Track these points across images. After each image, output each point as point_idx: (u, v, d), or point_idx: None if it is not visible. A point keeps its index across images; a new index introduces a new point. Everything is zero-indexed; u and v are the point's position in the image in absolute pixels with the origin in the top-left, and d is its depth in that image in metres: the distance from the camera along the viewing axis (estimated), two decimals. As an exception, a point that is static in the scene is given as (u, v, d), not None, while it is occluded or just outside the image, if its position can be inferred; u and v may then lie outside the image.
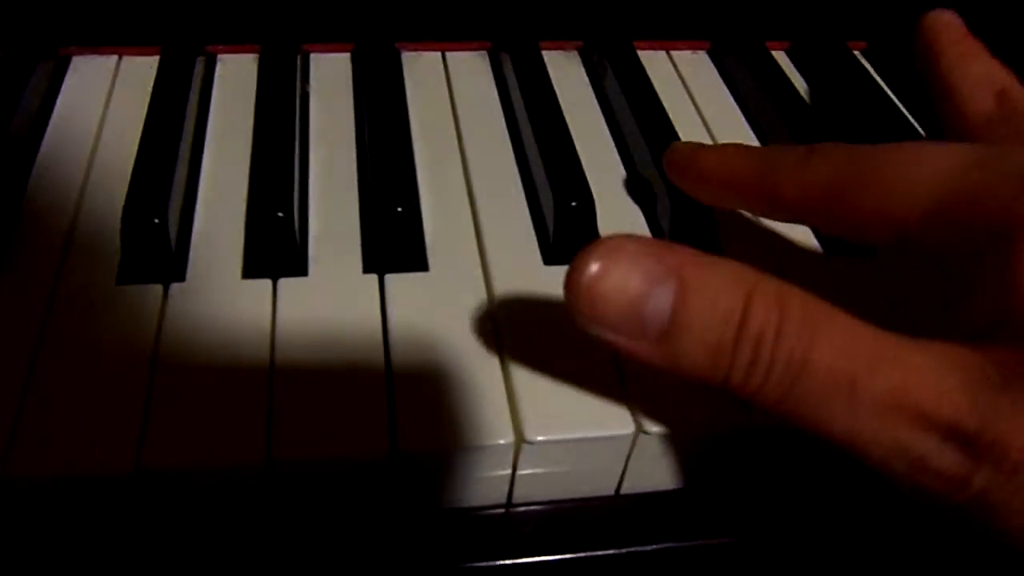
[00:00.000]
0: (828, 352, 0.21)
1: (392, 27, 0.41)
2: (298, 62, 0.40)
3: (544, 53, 0.41)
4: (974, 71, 0.32)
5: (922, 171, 0.24)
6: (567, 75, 0.41)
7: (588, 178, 0.34)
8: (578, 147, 0.36)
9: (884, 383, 0.20)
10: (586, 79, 0.41)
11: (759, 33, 0.43)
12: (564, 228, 0.32)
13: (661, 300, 0.22)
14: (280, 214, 0.31)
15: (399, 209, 0.31)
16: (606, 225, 0.33)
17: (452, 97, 0.39)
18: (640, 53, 0.42)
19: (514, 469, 0.27)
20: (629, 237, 0.23)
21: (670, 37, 0.43)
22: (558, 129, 0.36)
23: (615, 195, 0.35)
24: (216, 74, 0.40)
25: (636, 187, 0.35)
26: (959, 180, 0.23)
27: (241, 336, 0.28)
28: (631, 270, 0.22)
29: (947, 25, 0.35)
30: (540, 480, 0.27)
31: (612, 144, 0.38)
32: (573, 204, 0.32)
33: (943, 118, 0.32)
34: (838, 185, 0.26)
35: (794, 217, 0.29)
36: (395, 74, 0.39)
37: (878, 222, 0.25)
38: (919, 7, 0.36)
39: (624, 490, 0.29)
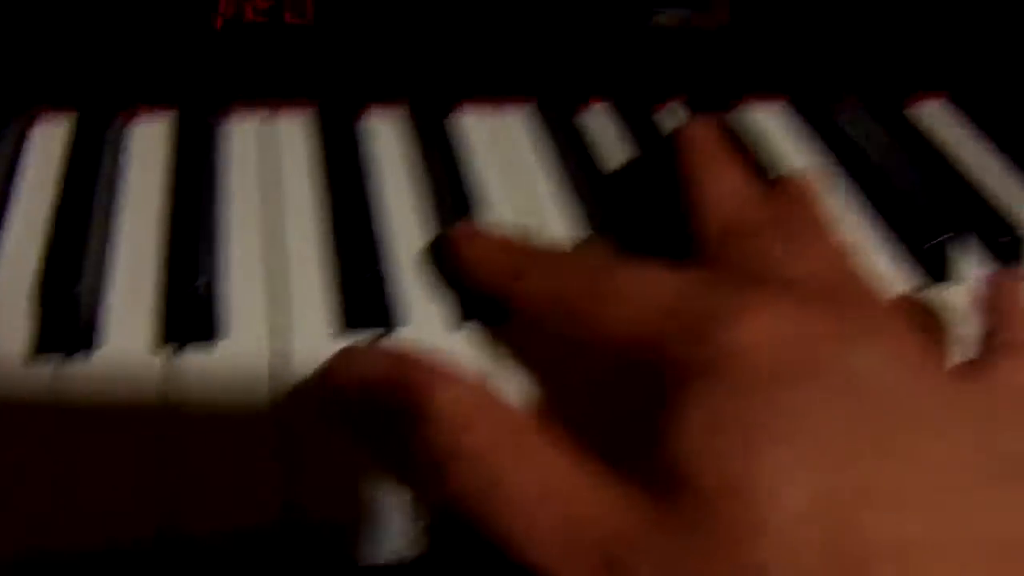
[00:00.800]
0: (516, 479, 0.23)
1: (219, 93, 0.42)
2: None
3: (369, 116, 0.43)
4: (719, 183, 0.33)
5: (633, 296, 0.26)
6: (389, 138, 0.42)
7: (396, 246, 0.35)
8: (391, 213, 0.37)
9: (551, 516, 0.22)
10: (406, 142, 0.42)
11: (577, 93, 0.45)
12: (356, 298, 0.33)
13: (395, 401, 0.25)
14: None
15: (196, 284, 0.32)
16: (406, 290, 0.34)
17: (274, 163, 0.40)
18: (463, 112, 0.43)
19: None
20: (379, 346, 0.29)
21: (495, 95, 0.44)
22: (360, 198, 0.37)
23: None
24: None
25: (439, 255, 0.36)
26: (657, 314, 0.25)
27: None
28: (370, 368, 0.26)
29: (699, 137, 0.36)
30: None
31: (421, 209, 0.38)
32: (367, 276, 0.33)
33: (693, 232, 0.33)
34: (561, 298, 0.28)
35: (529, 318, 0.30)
36: (206, 142, 0.40)
37: (585, 343, 0.27)
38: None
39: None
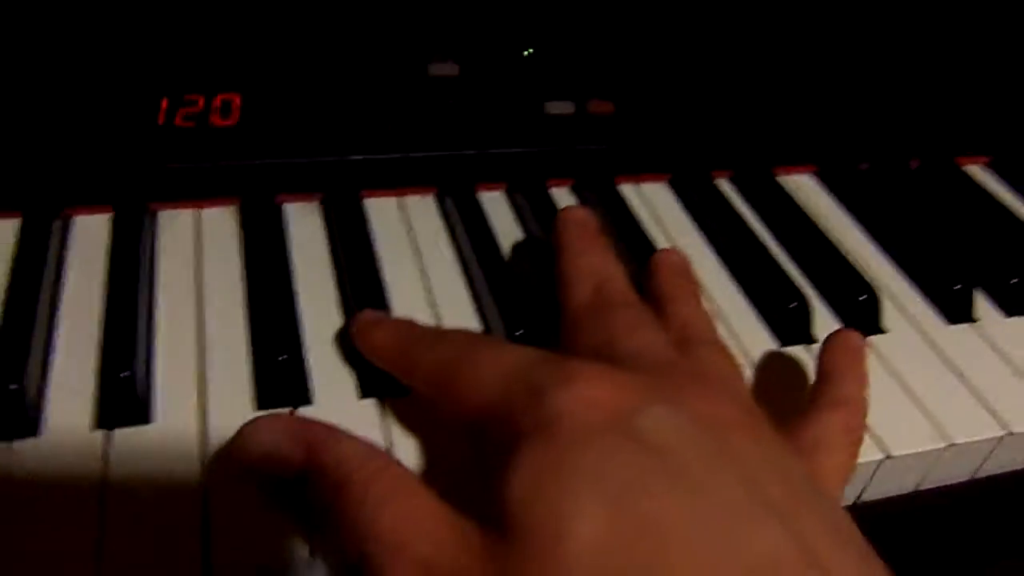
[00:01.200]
0: (387, 522, 0.27)
1: (152, 189, 0.46)
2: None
3: (288, 206, 0.47)
4: (583, 262, 0.38)
5: (486, 371, 0.31)
6: (306, 226, 0.47)
7: (310, 329, 0.40)
8: (305, 298, 0.42)
9: (414, 556, 0.26)
10: (321, 229, 0.47)
11: (472, 176, 0.50)
12: (271, 380, 0.37)
13: (294, 460, 0.30)
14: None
15: (123, 374, 0.36)
16: (318, 369, 0.39)
17: (200, 252, 0.44)
18: (371, 200, 0.48)
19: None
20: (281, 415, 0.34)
21: (402, 185, 0.49)
22: (276, 285, 0.41)
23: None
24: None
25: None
26: (505, 382, 0.30)
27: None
28: (271, 433, 0.31)
29: (575, 221, 0.41)
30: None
31: (335, 294, 0.43)
32: (280, 359, 0.38)
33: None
34: (434, 375, 0.33)
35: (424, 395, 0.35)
36: (139, 234, 0.44)
37: (455, 412, 0.32)
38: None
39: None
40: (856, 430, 0.34)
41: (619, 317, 0.35)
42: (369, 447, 0.30)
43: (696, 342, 0.36)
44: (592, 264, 0.38)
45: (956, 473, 0.41)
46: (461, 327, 0.41)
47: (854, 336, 0.38)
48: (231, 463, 0.32)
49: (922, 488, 0.41)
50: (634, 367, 0.32)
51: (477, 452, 0.31)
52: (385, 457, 0.30)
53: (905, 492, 0.41)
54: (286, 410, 0.37)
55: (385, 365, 0.36)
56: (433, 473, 0.35)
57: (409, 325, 0.37)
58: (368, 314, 0.38)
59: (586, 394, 0.28)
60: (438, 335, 0.36)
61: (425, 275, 0.45)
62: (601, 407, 0.28)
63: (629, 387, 0.29)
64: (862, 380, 0.36)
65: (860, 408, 0.35)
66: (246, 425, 0.32)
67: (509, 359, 0.31)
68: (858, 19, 0.54)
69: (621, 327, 0.35)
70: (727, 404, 0.30)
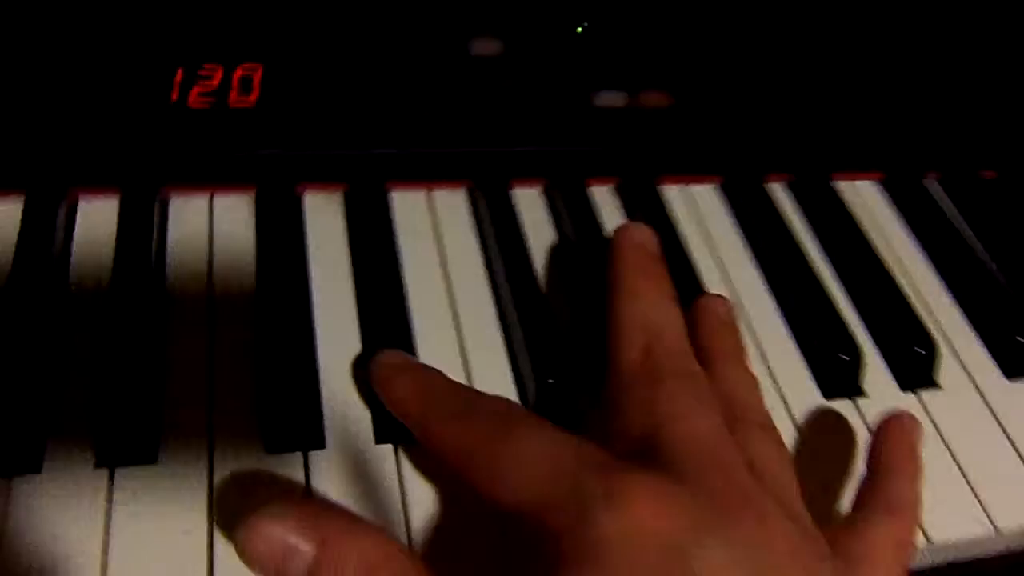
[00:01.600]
0: None
1: (164, 174, 0.43)
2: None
3: (307, 196, 0.44)
4: (634, 311, 0.35)
5: (526, 466, 0.28)
6: (326, 220, 0.43)
7: (321, 358, 0.38)
8: (321, 311, 0.39)
9: None
10: (343, 224, 0.43)
11: (508, 172, 0.46)
12: (281, 424, 0.35)
13: (301, 559, 0.27)
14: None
15: (128, 412, 0.34)
16: (333, 413, 0.36)
17: (211, 245, 0.41)
18: (400, 193, 0.45)
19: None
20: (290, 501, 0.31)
21: (431, 177, 0.46)
22: (290, 301, 0.39)
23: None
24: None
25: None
26: (545, 487, 0.28)
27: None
28: (277, 530, 0.27)
29: (632, 245, 0.38)
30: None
31: (354, 308, 0.40)
32: (292, 400, 0.35)
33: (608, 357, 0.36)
34: (462, 451, 0.31)
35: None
36: (148, 223, 0.41)
37: (485, 498, 0.30)
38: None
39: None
40: (907, 544, 0.32)
41: (669, 393, 0.33)
42: (382, 540, 0.28)
43: (747, 424, 0.34)
44: (645, 313, 0.36)
45: (991, 549, 0.40)
46: (492, 382, 0.39)
47: (909, 425, 0.35)
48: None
49: (952, 561, 0.40)
50: (683, 461, 0.30)
51: (504, 536, 0.30)
52: (402, 554, 0.28)
53: (935, 566, 0.39)
54: (297, 454, 0.35)
55: (405, 421, 0.34)
56: (449, 528, 0.34)
57: (435, 380, 0.34)
58: (390, 357, 0.36)
59: (636, 522, 0.27)
60: (467, 403, 0.33)
61: (450, 284, 0.42)
62: (651, 539, 0.26)
63: (681, 514, 0.27)
64: (916, 477, 0.34)
65: (913, 516, 0.33)
66: (247, 526, 0.28)
67: (551, 455, 0.29)
68: (937, 12, 0.49)
69: (672, 408, 0.32)
70: (780, 533, 0.29)
